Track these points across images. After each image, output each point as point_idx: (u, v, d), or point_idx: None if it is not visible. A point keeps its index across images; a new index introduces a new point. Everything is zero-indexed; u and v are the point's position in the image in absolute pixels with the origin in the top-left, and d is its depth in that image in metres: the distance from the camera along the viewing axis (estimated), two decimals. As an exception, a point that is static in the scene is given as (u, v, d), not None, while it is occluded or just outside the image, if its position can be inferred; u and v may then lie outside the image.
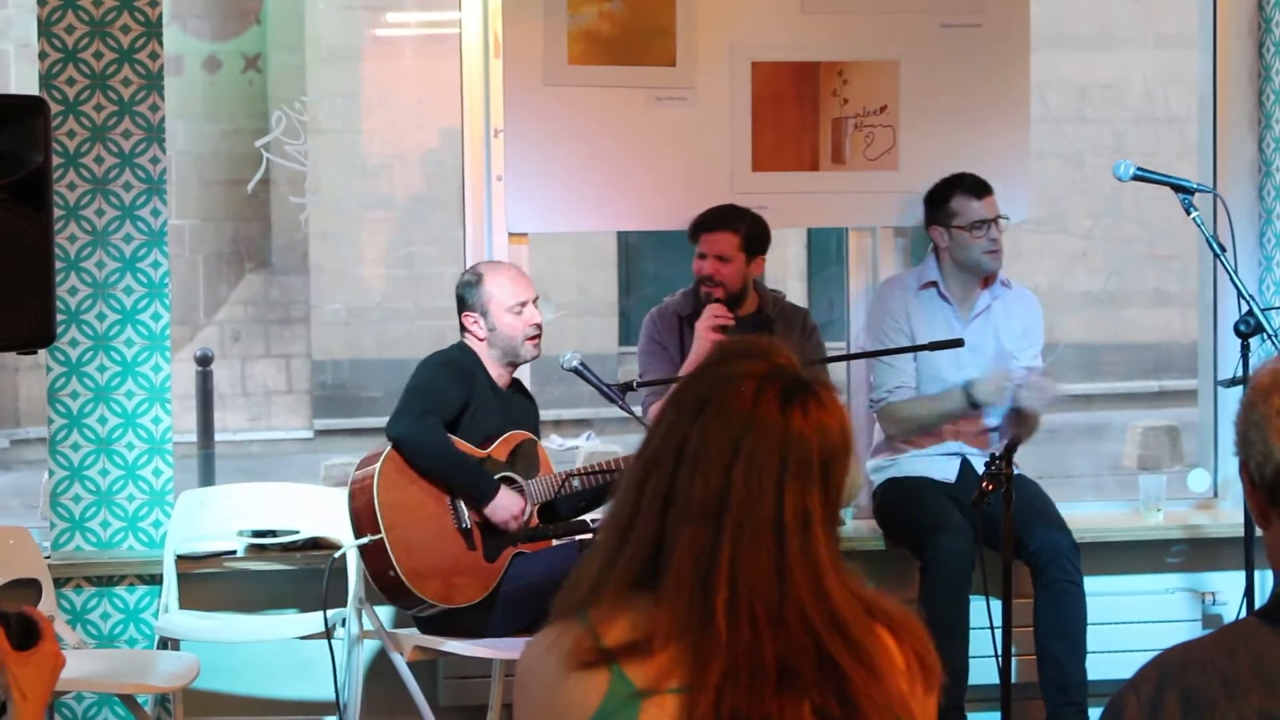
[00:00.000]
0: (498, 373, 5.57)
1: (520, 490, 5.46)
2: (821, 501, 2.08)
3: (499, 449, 5.50)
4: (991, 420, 5.95)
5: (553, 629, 2.09)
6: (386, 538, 5.28)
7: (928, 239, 6.14)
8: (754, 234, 5.91)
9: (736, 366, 2.12)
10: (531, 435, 5.60)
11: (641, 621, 2.05)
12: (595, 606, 2.07)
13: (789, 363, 2.13)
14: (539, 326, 5.55)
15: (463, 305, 5.59)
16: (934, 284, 6.03)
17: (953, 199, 5.98)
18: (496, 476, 5.44)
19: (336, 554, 5.51)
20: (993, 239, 5.95)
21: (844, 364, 6.29)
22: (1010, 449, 5.13)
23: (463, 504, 5.39)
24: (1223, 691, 2.04)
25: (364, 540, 5.31)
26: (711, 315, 5.80)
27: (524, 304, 5.53)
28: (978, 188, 5.97)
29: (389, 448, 5.39)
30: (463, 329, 5.60)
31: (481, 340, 5.55)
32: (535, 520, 5.53)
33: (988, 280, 6.04)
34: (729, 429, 2.07)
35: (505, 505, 5.41)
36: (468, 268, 5.77)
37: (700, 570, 2.05)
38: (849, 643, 2.05)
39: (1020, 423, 5.81)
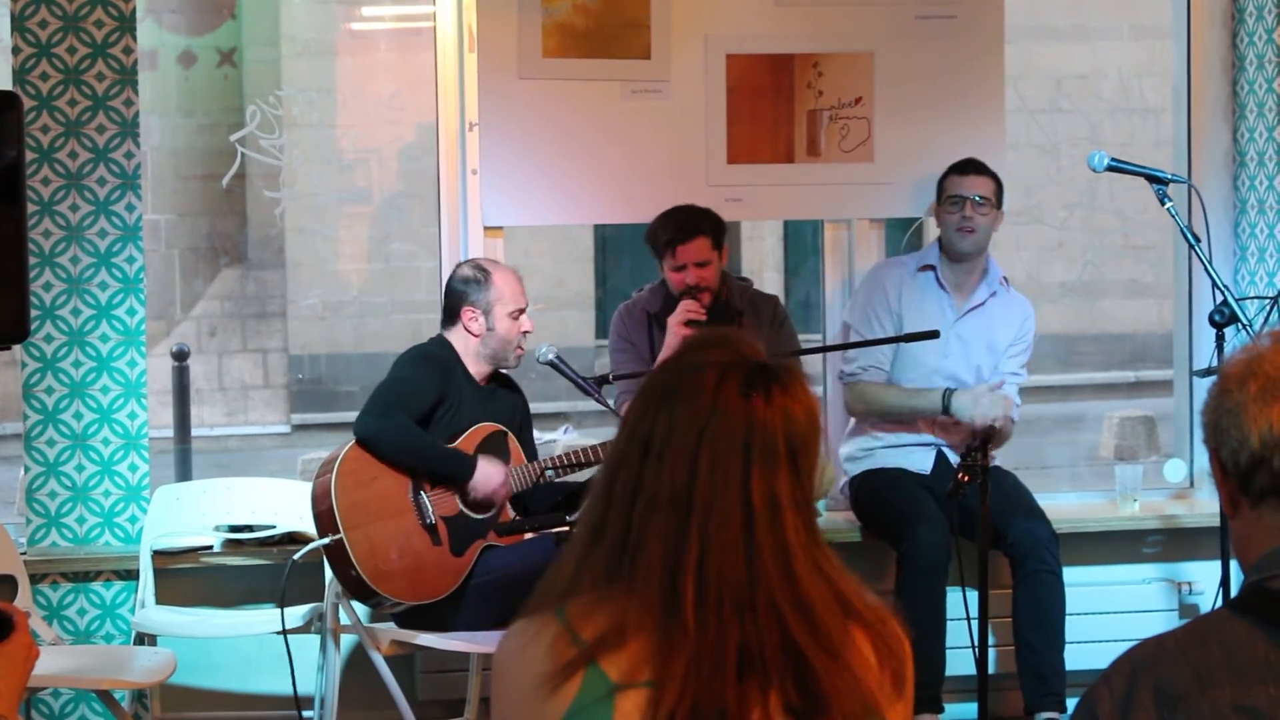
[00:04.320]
0: (476, 369, 5.54)
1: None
2: (791, 485, 2.07)
3: (465, 442, 5.45)
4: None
5: (530, 624, 2.08)
6: (346, 538, 5.24)
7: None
8: (719, 229, 5.89)
9: (699, 356, 2.12)
10: (501, 427, 5.55)
11: (616, 613, 2.04)
12: (572, 601, 2.07)
13: (753, 351, 2.13)
14: (526, 336, 5.55)
15: (463, 300, 5.54)
16: (932, 268, 6.02)
17: (947, 178, 5.98)
18: None
19: (296, 555, 5.48)
20: (965, 216, 5.91)
21: (819, 355, 6.28)
22: (985, 441, 5.12)
23: (427, 499, 5.36)
24: (1195, 683, 2.04)
25: (322, 541, 5.29)
26: (684, 310, 5.76)
27: (522, 310, 5.53)
28: (966, 166, 5.96)
29: (348, 447, 5.36)
30: (452, 321, 5.56)
31: (475, 337, 5.51)
32: (509, 514, 5.51)
33: (985, 273, 6.01)
34: (692, 418, 2.07)
35: (487, 477, 5.38)
36: (466, 261, 5.73)
37: (669, 561, 2.04)
38: (814, 627, 2.04)
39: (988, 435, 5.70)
